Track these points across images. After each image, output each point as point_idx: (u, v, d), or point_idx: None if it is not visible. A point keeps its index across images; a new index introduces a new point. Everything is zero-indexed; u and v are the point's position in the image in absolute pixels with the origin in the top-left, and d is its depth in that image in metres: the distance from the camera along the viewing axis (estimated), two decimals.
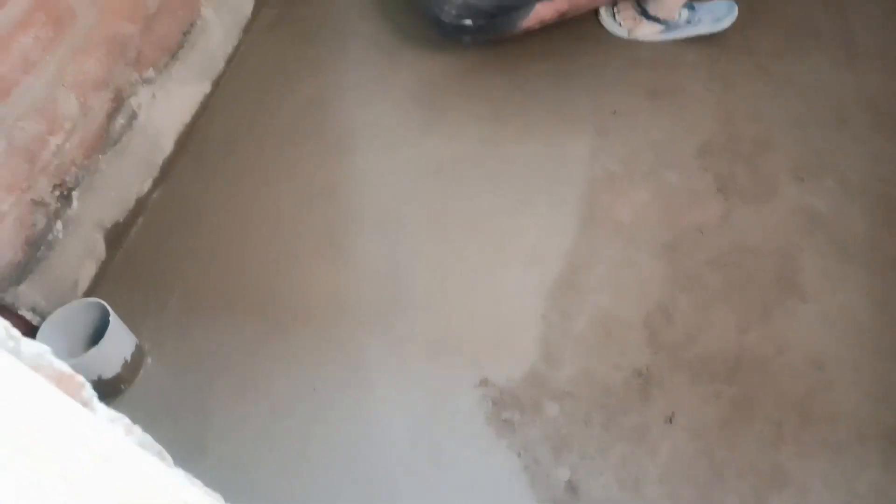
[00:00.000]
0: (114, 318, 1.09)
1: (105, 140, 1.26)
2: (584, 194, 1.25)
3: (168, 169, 1.41)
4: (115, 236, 1.30)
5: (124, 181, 1.31)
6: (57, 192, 1.18)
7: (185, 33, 1.42)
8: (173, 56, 1.40)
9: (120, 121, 1.29)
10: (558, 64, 1.45)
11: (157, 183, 1.38)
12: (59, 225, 1.19)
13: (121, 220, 1.31)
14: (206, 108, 1.49)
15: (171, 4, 1.37)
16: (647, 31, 1.45)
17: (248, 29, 1.60)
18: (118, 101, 1.28)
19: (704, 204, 1.21)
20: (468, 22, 1.33)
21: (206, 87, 1.49)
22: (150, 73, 1.34)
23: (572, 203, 1.25)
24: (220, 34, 1.52)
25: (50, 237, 1.17)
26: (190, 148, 1.44)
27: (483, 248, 1.21)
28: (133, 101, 1.31)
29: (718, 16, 1.39)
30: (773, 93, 1.33)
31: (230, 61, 1.56)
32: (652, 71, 1.41)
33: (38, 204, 1.14)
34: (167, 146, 1.41)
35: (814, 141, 1.25)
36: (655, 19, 1.42)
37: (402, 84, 1.49)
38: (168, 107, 1.39)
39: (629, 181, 1.26)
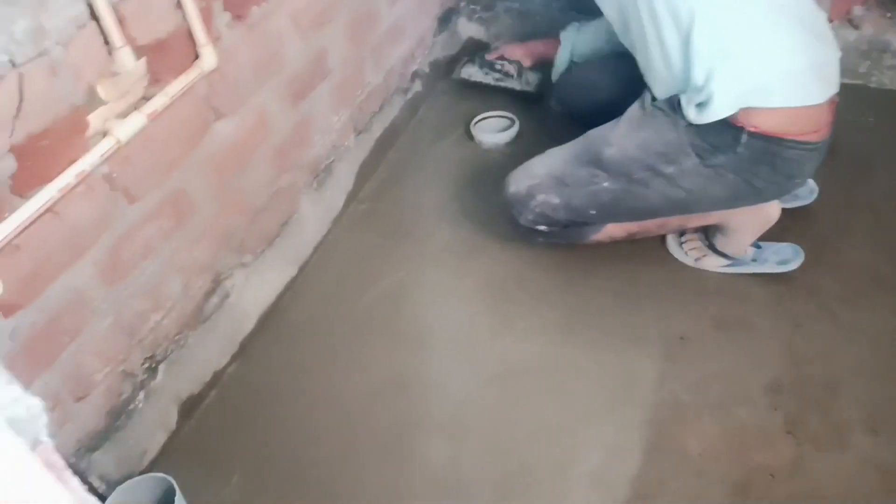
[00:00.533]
0: (179, 497, 1.10)
1: (197, 317, 1.34)
2: (651, 419, 1.26)
3: (246, 346, 1.47)
4: (188, 408, 1.34)
5: (206, 356, 1.37)
6: (146, 365, 1.24)
7: (283, 224, 1.55)
8: (270, 243, 1.51)
9: (214, 300, 1.37)
10: (627, 280, 1.52)
11: (234, 358, 1.44)
12: (141, 395, 1.24)
13: (196, 392, 1.36)
14: (289, 289, 1.58)
15: (276, 200, 1.50)
16: (713, 264, 1.51)
17: (337, 221, 1.73)
18: (216, 283, 1.37)
19: (775, 445, 1.20)
20: (542, 228, 1.44)
21: (292, 271, 1.60)
22: (248, 257, 1.45)
23: (638, 427, 1.25)
24: (312, 225, 1.64)
25: (131, 407, 1.22)
26: (270, 327, 1.51)
27: (546, 466, 1.21)
28: (228, 283, 1.40)
29: (784, 258, 1.46)
30: (843, 337, 1.35)
31: (317, 249, 1.67)
32: (719, 301, 1.45)
33: (128, 375, 1.20)
34: (249, 324, 1.48)
35: (886, 392, 1.25)
36: (722, 254, 1.49)
37: (474, 284, 1.56)
38: (258, 288, 1.49)
39: (697, 412, 1.26)
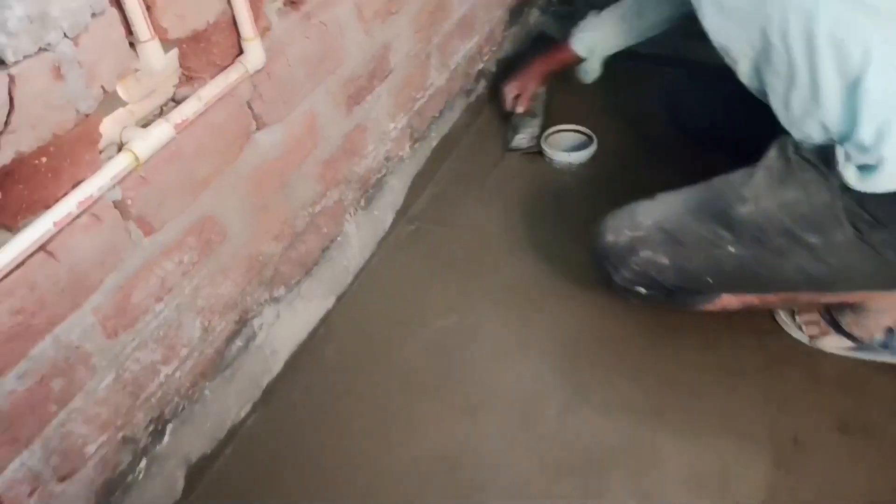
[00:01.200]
0: None
1: (217, 365, 1.11)
2: None
3: (272, 392, 1.24)
4: (198, 470, 1.12)
5: (224, 408, 1.15)
6: (151, 427, 1.01)
7: (325, 249, 1.31)
8: (308, 272, 1.28)
9: (238, 343, 1.14)
10: (727, 354, 1.27)
11: (255, 407, 1.22)
12: (143, 463, 1.01)
13: (208, 451, 1.13)
14: (324, 323, 1.35)
15: (319, 221, 1.26)
16: (834, 344, 1.27)
17: (383, 243, 1.49)
18: (241, 324, 1.14)
19: None
20: (641, 290, 1.18)
21: (329, 303, 1.36)
22: (281, 290, 1.22)
23: None
24: (356, 249, 1.41)
25: (130, 478, 1.00)
26: (300, 370, 1.29)
27: None
28: (255, 322, 1.17)
29: None
30: None
31: (359, 275, 1.44)
32: (840, 395, 1.21)
33: (128, 441, 0.98)
34: (276, 367, 1.26)
35: None
36: (848, 335, 1.24)
37: (545, 339, 1.32)
38: (289, 326, 1.26)
39: None
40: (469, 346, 1.32)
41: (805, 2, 0.96)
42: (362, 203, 1.40)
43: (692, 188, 1.15)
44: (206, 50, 0.93)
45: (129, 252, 0.88)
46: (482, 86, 1.80)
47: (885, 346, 1.24)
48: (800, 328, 1.30)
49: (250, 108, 1.02)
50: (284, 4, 1.07)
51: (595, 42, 1.62)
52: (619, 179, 1.62)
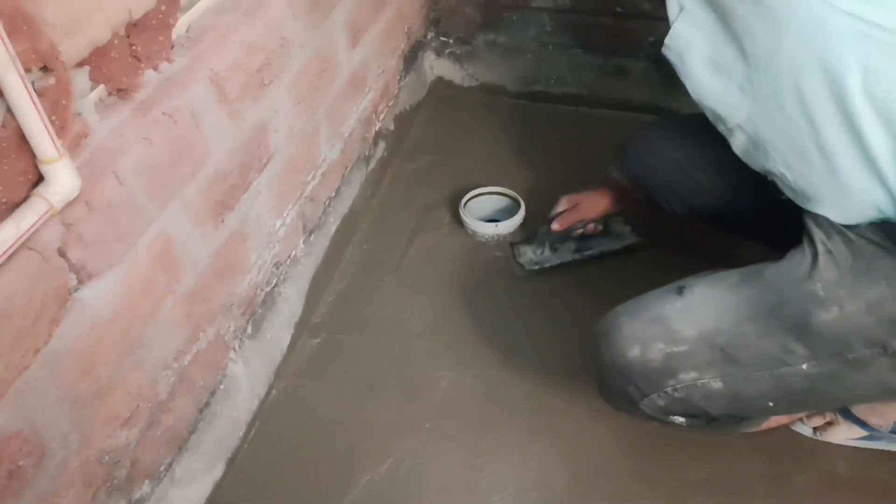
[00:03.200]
0: None
1: None
2: None
3: None
4: None
5: None
6: None
7: (203, 408, 0.97)
8: (181, 448, 0.93)
9: None
10: (725, 471, 1.05)
11: None
12: None
13: None
14: (214, 502, 1.00)
15: (190, 374, 0.92)
16: (842, 435, 1.07)
17: (281, 371, 1.16)
18: None
19: None
20: (679, 419, 0.91)
21: (217, 473, 1.02)
22: (145, 488, 0.87)
23: None
24: (246, 391, 1.07)
25: None
26: None
27: None
28: None
29: None
30: None
31: (253, 424, 1.10)
32: (859, 497, 1.01)
33: None
34: None
35: None
36: (859, 422, 1.04)
37: (505, 481, 1.04)
38: None
39: None
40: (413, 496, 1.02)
41: (821, 52, 0.73)
42: (249, 330, 1.06)
43: (736, 281, 0.86)
44: None
45: None
46: (382, 148, 1.50)
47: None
48: (801, 420, 1.09)
49: (64, 257, 0.68)
50: (109, 94, 0.74)
51: None
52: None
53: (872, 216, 0.79)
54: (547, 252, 1.34)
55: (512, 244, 1.38)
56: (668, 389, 0.85)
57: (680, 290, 0.87)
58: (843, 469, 1.05)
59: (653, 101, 1.62)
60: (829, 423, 1.07)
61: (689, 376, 0.84)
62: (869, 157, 0.74)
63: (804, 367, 0.81)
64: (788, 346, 0.81)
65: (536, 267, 1.33)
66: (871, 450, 1.07)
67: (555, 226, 1.30)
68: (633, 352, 0.85)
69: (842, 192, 0.79)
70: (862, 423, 1.05)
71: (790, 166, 0.82)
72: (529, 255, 1.35)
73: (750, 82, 0.78)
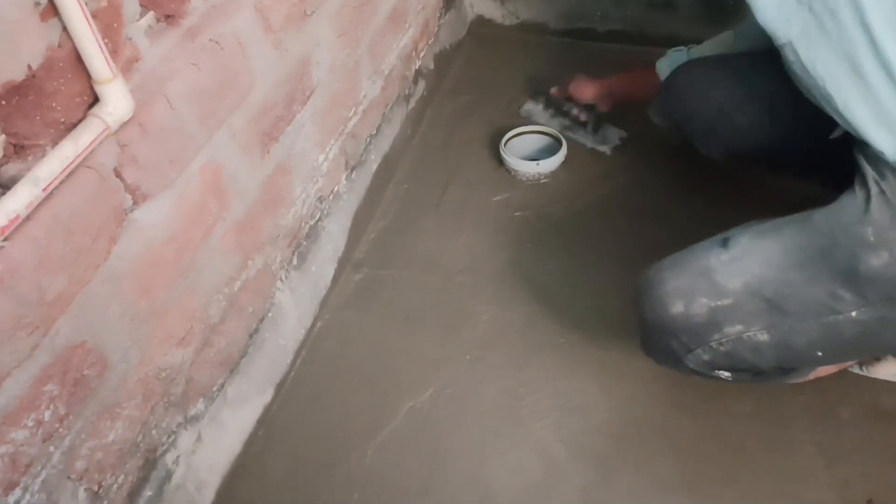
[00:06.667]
0: None
1: None
2: None
3: None
4: None
5: None
6: None
7: (252, 333, 1.00)
8: (233, 370, 0.97)
9: (147, 493, 0.83)
10: (768, 407, 1.04)
11: None
12: None
13: None
14: (263, 425, 1.05)
15: (240, 301, 0.95)
16: (889, 371, 1.05)
17: (326, 303, 1.19)
18: (148, 466, 0.83)
19: None
20: (725, 374, 0.90)
21: (267, 397, 1.06)
22: (199, 406, 0.91)
23: None
24: (293, 320, 1.10)
25: None
26: (235, 494, 0.98)
27: None
28: (169, 457, 0.86)
29: None
30: None
31: (300, 352, 1.13)
32: None
33: None
34: (205, 501, 0.94)
35: None
36: None
37: (547, 411, 1.06)
38: (216, 445, 0.95)
39: None
40: (451, 431, 1.05)
41: None
42: (294, 261, 1.09)
43: (784, 230, 0.83)
44: (37, 105, 0.61)
45: None
46: (422, 88, 1.50)
47: None
48: None
49: (120, 177, 0.70)
50: (157, 20, 0.75)
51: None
52: (601, 192, 1.36)
53: None
54: (543, 113, 1.50)
55: (534, 92, 1.54)
56: (714, 344, 0.83)
57: (724, 242, 0.84)
58: (889, 403, 1.04)
59: (701, 36, 1.55)
60: (877, 359, 1.06)
61: (734, 329, 0.82)
62: None
63: (853, 314, 0.78)
64: (837, 293, 0.78)
65: (526, 115, 1.51)
66: None
67: (553, 90, 1.46)
68: (677, 307, 0.83)
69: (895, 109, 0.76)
70: None
71: (840, 86, 0.78)
72: (529, 104, 1.52)
73: None
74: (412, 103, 1.46)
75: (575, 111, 1.44)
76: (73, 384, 0.68)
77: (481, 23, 1.77)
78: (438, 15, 1.54)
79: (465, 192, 1.40)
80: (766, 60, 0.98)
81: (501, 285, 1.23)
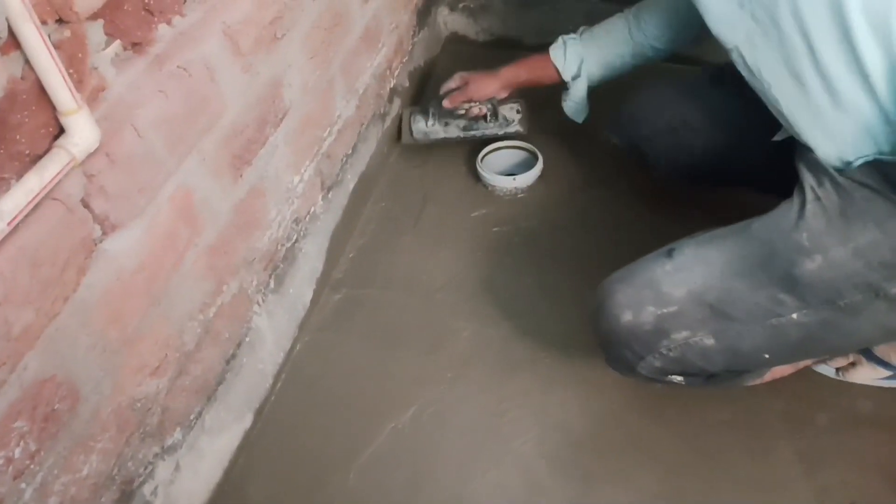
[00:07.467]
0: None
1: None
2: None
3: None
4: None
5: None
6: None
7: (230, 359, 0.99)
8: (210, 398, 0.96)
9: None
10: (746, 413, 1.05)
11: None
12: None
13: None
14: (243, 451, 1.04)
15: (216, 326, 0.94)
16: (866, 376, 1.07)
17: (305, 325, 1.18)
18: (125, 499, 0.82)
19: None
20: (678, 379, 0.92)
21: (246, 423, 1.05)
22: (177, 436, 0.90)
23: None
24: (271, 344, 1.09)
25: None
26: None
27: None
28: (146, 488, 0.85)
29: None
30: None
31: (280, 376, 1.12)
32: (883, 438, 1.01)
33: None
34: None
35: None
36: (881, 362, 1.04)
37: (528, 427, 1.06)
38: (195, 474, 0.94)
39: None
40: (434, 450, 1.04)
41: None
42: (271, 284, 1.08)
43: (725, 239, 0.86)
44: (0, 138, 0.60)
45: None
46: (397, 106, 1.50)
47: None
48: (824, 361, 1.09)
49: (88, 208, 0.70)
50: (124, 49, 0.74)
51: (583, 53, 1.25)
52: (579, 205, 1.37)
53: (865, 148, 0.78)
54: (437, 126, 1.44)
55: (411, 113, 1.45)
56: (663, 350, 0.86)
57: (669, 253, 0.87)
58: (866, 408, 1.05)
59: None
60: (852, 364, 1.07)
61: (681, 335, 0.84)
62: (863, 73, 0.73)
63: (794, 316, 0.81)
64: (777, 297, 0.81)
65: (422, 137, 1.44)
66: (895, 389, 1.06)
67: (445, 103, 1.38)
68: (626, 317, 0.86)
69: (835, 115, 0.78)
70: (885, 363, 1.05)
71: (785, 90, 0.81)
72: (421, 125, 1.44)
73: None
74: (388, 122, 1.47)
75: (475, 109, 1.40)
76: (43, 419, 0.67)
77: (455, 39, 1.78)
78: (412, 33, 1.55)
79: (442, 209, 1.40)
80: (716, 78, 1.03)
81: (481, 302, 1.23)
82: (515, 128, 1.44)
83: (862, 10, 0.71)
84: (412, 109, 1.48)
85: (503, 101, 1.44)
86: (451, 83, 1.39)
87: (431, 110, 1.44)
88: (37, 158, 0.64)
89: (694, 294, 0.83)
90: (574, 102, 1.31)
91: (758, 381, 1.02)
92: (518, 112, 1.47)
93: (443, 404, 1.09)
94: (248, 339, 1.03)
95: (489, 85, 1.36)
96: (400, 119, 1.48)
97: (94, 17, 0.68)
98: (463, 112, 1.41)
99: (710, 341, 0.84)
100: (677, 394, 1.06)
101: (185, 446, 0.91)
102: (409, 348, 1.17)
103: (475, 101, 1.39)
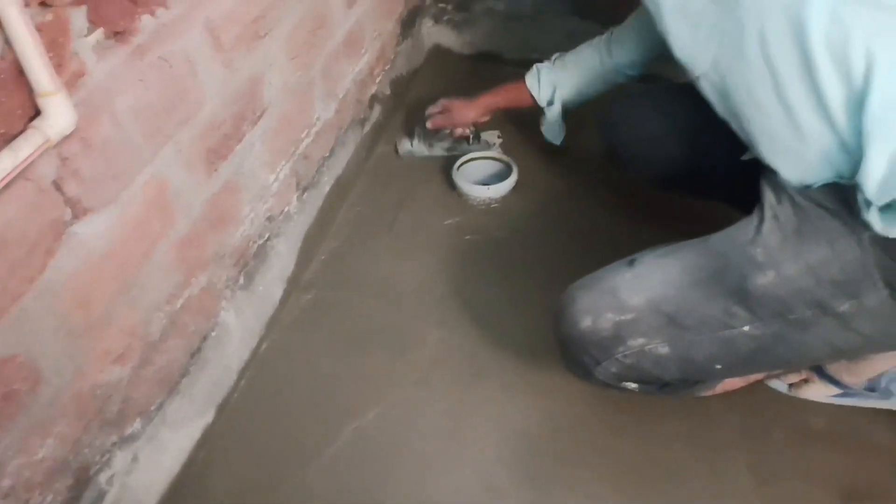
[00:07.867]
0: None
1: None
2: None
3: None
4: None
5: None
6: None
7: (195, 353, 0.99)
8: (172, 390, 0.96)
9: None
10: (700, 427, 1.07)
11: None
12: None
13: None
14: (204, 446, 1.03)
15: (182, 319, 0.95)
16: (817, 393, 1.10)
17: (273, 324, 1.18)
18: (80, 486, 0.81)
19: None
20: (632, 385, 0.94)
21: (208, 417, 1.04)
22: (136, 425, 0.89)
23: None
24: (237, 340, 1.09)
25: None
26: None
27: None
28: (102, 477, 0.85)
29: None
30: None
31: (245, 372, 1.12)
32: (836, 454, 1.04)
33: None
34: None
35: None
36: (833, 380, 1.07)
37: (489, 433, 1.07)
38: (153, 465, 0.93)
39: None
40: (395, 452, 1.05)
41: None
42: (241, 281, 1.09)
43: (684, 251, 0.89)
44: None
45: None
46: (377, 112, 1.52)
47: (871, 388, 1.08)
48: (777, 377, 1.12)
49: (60, 190, 0.70)
50: (106, 37, 0.75)
51: (556, 81, 1.31)
52: (551, 216, 1.39)
53: (825, 173, 0.81)
54: (421, 146, 1.51)
55: (409, 133, 1.54)
56: (619, 356, 0.88)
57: (631, 262, 0.90)
58: (819, 424, 1.08)
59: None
60: (805, 381, 1.10)
61: (637, 342, 0.87)
62: (822, 104, 0.76)
63: (746, 328, 0.84)
64: (730, 310, 0.83)
65: (408, 155, 1.52)
66: (846, 406, 1.09)
67: (428, 124, 1.44)
68: (586, 322, 0.88)
69: (796, 142, 0.81)
70: (836, 382, 1.08)
71: (749, 117, 0.84)
72: (406, 145, 1.52)
73: (716, 27, 0.81)
74: (367, 127, 1.48)
75: (459, 129, 1.46)
76: (2, 398, 0.67)
77: (439, 51, 1.80)
78: (395, 42, 1.57)
79: (417, 215, 1.42)
80: (690, 91, 1.06)
81: (450, 308, 1.24)
82: (496, 152, 1.49)
83: (824, 43, 0.75)
84: (411, 128, 1.55)
85: (484, 126, 1.49)
86: (434, 108, 1.45)
87: (417, 131, 1.50)
88: (11, 138, 0.65)
89: (652, 302, 0.86)
90: (550, 126, 1.36)
91: (710, 392, 1.05)
92: (499, 137, 1.54)
93: (406, 408, 1.10)
94: (214, 334, 1.03)
95: (469, 112, 1.42)
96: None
97: (77, 2, 0.69)
98: (448, 132, 1.47)
99: (664, 349, 0.86)
100: (637, 405, 1.09)
101: (145, 437, 0.91)
102: (377, 351, 1.18)
103: (456, 125, 1.45)
